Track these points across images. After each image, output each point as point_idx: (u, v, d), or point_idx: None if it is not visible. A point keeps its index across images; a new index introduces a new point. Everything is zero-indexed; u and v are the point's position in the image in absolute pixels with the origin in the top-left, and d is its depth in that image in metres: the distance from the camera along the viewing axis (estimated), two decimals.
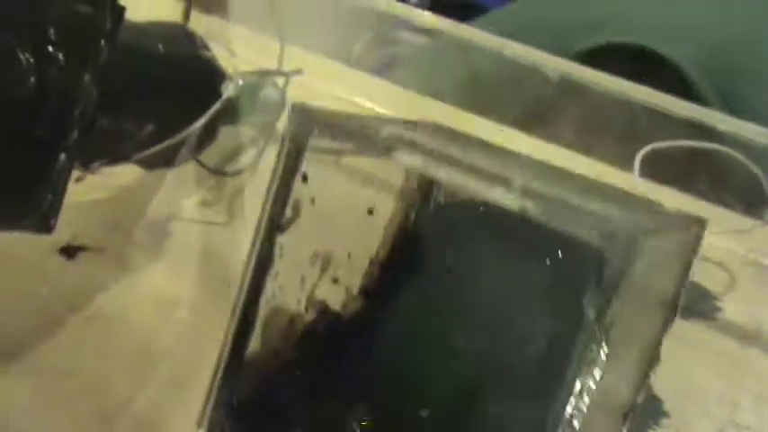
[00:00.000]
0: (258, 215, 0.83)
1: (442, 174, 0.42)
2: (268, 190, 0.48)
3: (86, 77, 0.65)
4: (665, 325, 0.46)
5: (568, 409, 0.41)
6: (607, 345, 0.41)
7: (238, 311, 0.50)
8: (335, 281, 0.53)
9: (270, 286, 0.50)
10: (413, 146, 0.43)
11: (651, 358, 0.46)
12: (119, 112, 0.72)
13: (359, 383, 0.53)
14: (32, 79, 0.65)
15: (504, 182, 0.41)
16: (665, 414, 0.61)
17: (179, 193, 0.84)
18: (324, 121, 0.45)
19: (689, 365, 0.63)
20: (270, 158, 0.87)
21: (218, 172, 0.85)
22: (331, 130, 0.45)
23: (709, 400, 0.64)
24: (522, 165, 0.49)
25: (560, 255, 0.49)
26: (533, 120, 0.79)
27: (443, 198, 0.55)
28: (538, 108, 0.83)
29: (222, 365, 0.50)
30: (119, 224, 0.82)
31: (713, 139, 0.79)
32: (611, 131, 0.84)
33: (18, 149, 0.65)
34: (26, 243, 0.83)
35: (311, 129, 0.45)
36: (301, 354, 0.53)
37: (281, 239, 0.51)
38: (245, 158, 0.87)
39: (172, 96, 0.77)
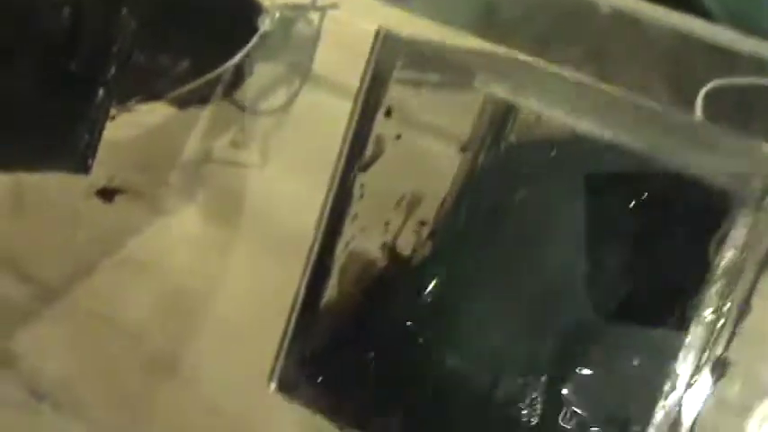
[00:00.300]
0: (292, 157, 0.81)
1: (532, 102, 0.39)
2: (348, 124, 0.45)
3: (124, 10, 0.62)
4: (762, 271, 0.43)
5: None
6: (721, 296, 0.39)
7: (313, 257, 0.47)
8: (423, 223, 0.50)
9: (348, 229, 0.47)
10: (500, 75, 0.39)
11: (747, 305, 0.44)
12: (155, 47, 0.68)
13: (431, 332, 0.51)
14: (67, 11, 0.61)
15: (598, 114, 0.38)
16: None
17: (211, 134, 0.81)
18: (409, 49, 0.41)
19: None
20: (304, 98, 0.84)
21: (252, 111, 0.81)
22: (417, 60, 0.41)
23: None
24: (610, 100, 0.46)
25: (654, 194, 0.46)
26: (588, 57, 0.76)
27: (516, 138, 0.52)
28: (592, 44, 0.80)
29: (295, 315, 0.47)
30: (151, 166, 0.79)
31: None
32: (666, 68, 0.80)
33: (55, 86, 0.61)
34: (61, 187, 0.80)
35: (396, 58, 0.42)
36: (372, 301, 0.50)
37: (361, 178, 0.47)
38: (279, 98, 0.83)
39: (208, 31, 0.73)
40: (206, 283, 0.75)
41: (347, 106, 0.54)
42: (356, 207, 0.49)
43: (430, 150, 0.52)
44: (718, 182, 0.39)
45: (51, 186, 0.81)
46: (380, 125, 0.46)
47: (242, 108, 0.81)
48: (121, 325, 0.75)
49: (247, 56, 0.77)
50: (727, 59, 0.78)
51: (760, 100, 0.76)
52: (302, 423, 0.67)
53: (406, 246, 0.53)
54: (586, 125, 0.38)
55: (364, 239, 0.50)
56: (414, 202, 0.50)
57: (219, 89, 0.77)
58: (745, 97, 0.75)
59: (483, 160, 0.52)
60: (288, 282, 0.61)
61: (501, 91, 0.40)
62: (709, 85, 0.74)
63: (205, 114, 0.82)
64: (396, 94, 0.45)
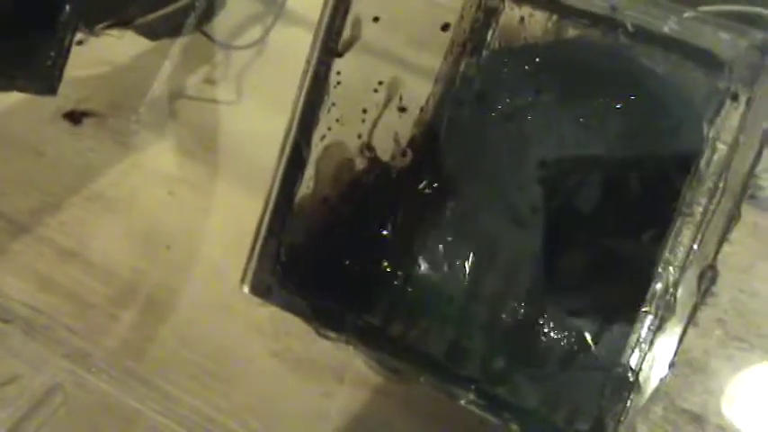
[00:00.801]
0: (266, 93, 0.79)
1: None
2: (323, 5, 0.43)
3: None
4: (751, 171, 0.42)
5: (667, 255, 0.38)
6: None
7: (288, 147, 0.44)
8: (402, 110, 0.48)
9: (324, 120, 0.45)
10: None
11: (738, 209, 0.42)
12: None
13: (409, 239, 0.49)
14: None
15: None
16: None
17: (184, 69, 0.78)
18: None
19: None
20: (278, 34, 0.82)
21: (225, 46, 0.79)
22: None
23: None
24: None
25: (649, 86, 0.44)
26: None
27: (498, 43, 0.50)
28: None
29: (269, 212, 0.45)
30: (122, 100, 0.77)
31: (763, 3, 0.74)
32: None
33: (20, 2, 0.59)
34: (27, 118, 0.78)
35: None
36: (350, 203, 0.48)
37: (338, 64, 0.45)
38: (253, 34, 0.81)
39: None
40: (179, 221, 0.73)
41: None
42: (332, 96, 0.47)
43: (409, 33, 0.50)
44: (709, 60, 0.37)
45: (16, 118, 0.78)
46: (357, 6, 0.44)
47: (214, 42, 0.79)
48: (92, 261, 0.72)
49: None
50: None
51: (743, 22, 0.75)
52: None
53: (383, 144, 0.51)
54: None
55: (341, 132, 0.48)
56: (392, 90, 0.48)
57: (192, 18, 0.75)
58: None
59: (464, 67, 0.50)
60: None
61: None
62: (692, 13, 0.72)
63: (177, 48, 0.79)
64: None
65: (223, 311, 0.69)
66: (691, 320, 0.47)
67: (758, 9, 0.73)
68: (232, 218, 0.73)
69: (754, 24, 0.72)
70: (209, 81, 0.80)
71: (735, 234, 0.48)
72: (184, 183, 0.75)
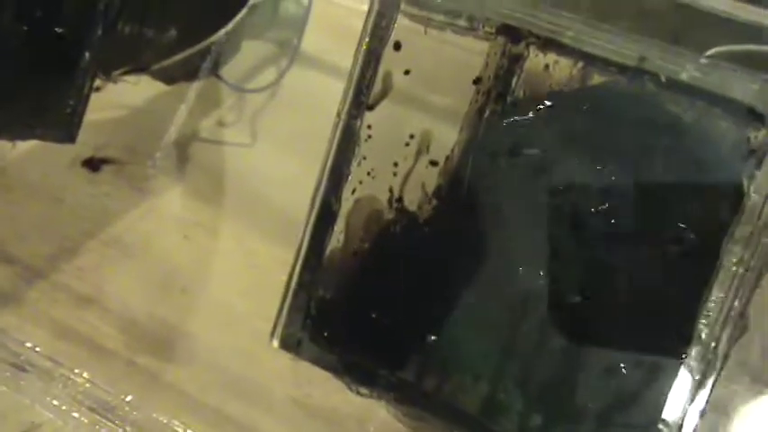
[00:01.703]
0: (281, 136, 0.79)
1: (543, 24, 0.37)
2: (354, 59, 0.43)
3: None
4: None
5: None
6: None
7: (318, 201, 0.44)
8: (434, 163, 0.48)
9: (355, 173, 0.45)
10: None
11: None
12: (141, 16, 0.66)
13: (439, 289, 0.49)
14: None
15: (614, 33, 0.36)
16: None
17: (199, 112, 0.79)
18: None
19: None
20: (292, 77, 0.83)
21: (240, 89, 0.80)
22: None
23: None
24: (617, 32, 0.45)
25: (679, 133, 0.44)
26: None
27: (523, 91, 0.50)
28: (588, 16, 0.78)
29: (299, 265, 0.45)
30: (138, 144, 0.77)
31: None
32: (666, 38, 0.79)
33: (39, 50, 0.59)
34: (45, 164, 0.78)
35: None
36: (380, 256, 0.48)
37: (369, 117, 0.45)
38: (267, 77, 0.82)
39: (196, 1, 0.71)
40: (195, 265, 0.73)
41: (336, 85, 0.53)
42: (363, 149, 0.47)
43: (440, 85, 0.50)
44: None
45: (34, 164, 0.78)
46: (388, 60, 0.44)
47: (230, 85, 0.79)
48: (109, 307, 0.72)
49: (236, 30, 0.76)
50: (726, 28, 0.76)
51: (759, 67, 0.75)
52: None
53: (410, 194, 0.51)
54: (599, 49, 0.37)
55: (372, 185, 0.48)
56: (423, 142, 0.48)
57: (208, 63, 0.75)
58: (744, 65, 0.74)
59: (488, 115, 0.50)
60: (278, 262, 0.59)
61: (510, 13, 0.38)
62: (708, 53, 0.72)
63: (192, 92, 0.80)
64: (403, 28, 0.43)
65: (241, 356, 0.68)
66: (722, 369, 0.47)
67: None
68: (247, 261, 0.73)
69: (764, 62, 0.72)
70: (224, 124, 0.81)
71: None
72: (199, 226, 0.75)
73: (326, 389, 0.64)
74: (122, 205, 0.76)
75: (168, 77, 0.75)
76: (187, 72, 0.75)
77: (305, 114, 0.78)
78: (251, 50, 0.83)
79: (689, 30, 0.77)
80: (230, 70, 0.82)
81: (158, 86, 0.77)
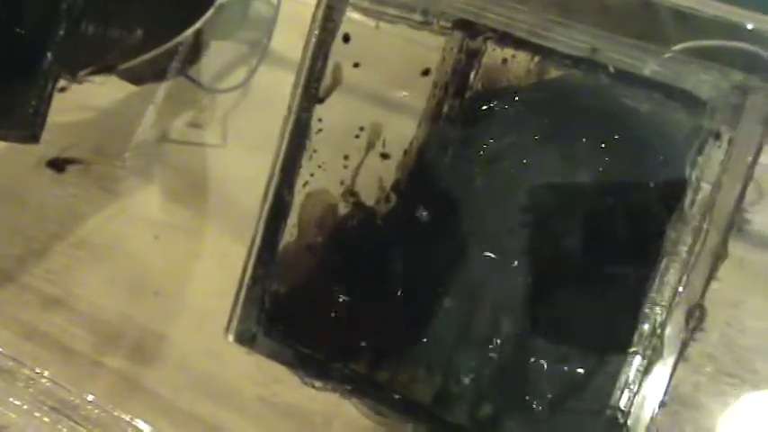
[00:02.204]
0: (251, 136, 0.79)
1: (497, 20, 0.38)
2: (304, 51, 0.43)
3: None
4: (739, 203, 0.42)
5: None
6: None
7: (270, 195, 0.44)
8: (385, 156, 0.48)
9: (306, 166, 0.45)
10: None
11: (724, 248, 0.42)
12: (106, 15, 0.66)
13: (394, 282, 0.49)
14: None
15: (568, 26, 0.36)
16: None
17: (168, 113, 0.78)
18: None
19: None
20: (262, 77, 0.83)
21: (210, 89, 0.79)
22: None
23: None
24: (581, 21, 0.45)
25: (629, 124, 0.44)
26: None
27: (481, 84, 0.50)
28: (553, 12, 0.79)
29: (252, 260, 0.45)
30: (106, 145, 0.77)
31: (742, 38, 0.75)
32: (631, 33, 0.79)
33: (0, 49, 0.59)
34: (9, 164, 0.77)
35: None
36: (335, 250, 0.48)
37: (319, 111, 0.45)
38: (236, 77, 0.82)
39: (162, 0, 0.71)
40: (166, 266, 0.72)
41: None
42: (314, 142, 0.47)
43: (390, 78, 0.50)
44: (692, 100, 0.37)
45: None
46: (338, 53, 0.44)
47: (199, 85, 0.79)
48: (78, 309, 0.72)
49: (203, 30, 0.75)
50: (690, 23, 0.77)
51: (723, 63, 0.75)
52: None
53: (367, 188, 0.51)
54: (553, 42, 0.37)
55: (324, 178, 0.48)
56: (374, 135, 0.48)
57: (176, 63, 0.75)
58: (708, 60, 0.74)
59: (447, 110, 0.50)
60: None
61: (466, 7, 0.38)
62: (673, 49, 0.72)
63: (161, 92, 0.79)
64: (354, 21, 0.43)
65: (212, 357, 0.68)
66: (679, 359, 0.47)
67: (736, 43, 0.73)
68: (219, 261, 0.72)
69: (733, 58, 0.73)
70: (195, 124, 0.80)
71: (723, 268, 0.48)
72: (171, 227, 0.74)
73: (293, 386, 0.64)
74: (91, 206, 0.76)
75: (136, 78, 0.75)
76: (155, 72, 0.75)
77: (275, 113, 0.77)
78: (220, 50, 0.82)
79: (653, 26, 0.77)
80: (200, 70, 0.82)
81: (126, 87, 0.77)
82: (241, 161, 0.78)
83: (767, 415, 0.60)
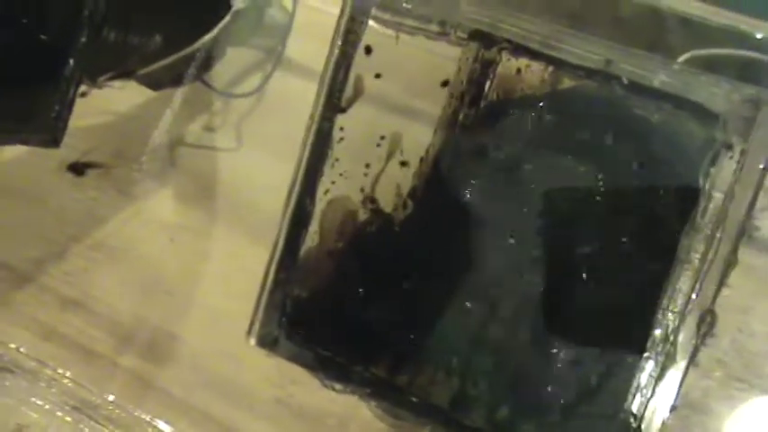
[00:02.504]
0: (266, 141, 0.80)
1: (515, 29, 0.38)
2: (326, 63, 0.44)
3: None
4: (750, 211, 0.43)
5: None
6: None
7: (292, 202, 0.45)
8: (404, 164, 0.49)
9: (328, 174, 0.46)
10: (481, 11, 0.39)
11: (734, 255, 0.43)
12: (126, 22, 0.67)
13: (412, 287, 0.50)
14: None
15: (582, 38, 0.37)
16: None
17: (185, 117, 0.79)
18: None
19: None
20: (277, 83, 0.83)
21: (225, 94, 0.80)
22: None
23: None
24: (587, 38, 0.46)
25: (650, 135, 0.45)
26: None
27: (496, 94, 0.51)
28: (563, 22, 0.80)
29: (274, 265, 0.46)
30: (124, 149, 0.78)
31: (750, 47, 0.76)
32: (642, 43, 0.80)
33: (24, 55, 0.60)
34: (30, 169, 0.78)
35: None
36: (354, 255, 0.49)
37: (341, 120, 0.46)
38: (252, 82, 0.83)
39: (180, 7, 0.72)
40: (181, 268, 0.73)
41: None
42: (336, 151, 0.48)
43: (410, 88, 0.51)
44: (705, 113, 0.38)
45: (21, 168, 0.79)
46: (359, 64, 0.45)
47: (215, 91, 0.80)
48: (95, 310, 0.73)
49: (219, 36, 0.76)
50: (700, 32, 0.78)
51: (733, 71, 0.76)
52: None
53: (385, 195, 0.52)
54: (567, 54, 0.38)
55: (345, 186, 0.49)
56: (394, 144, 0.49)
57: (193, 68, 0.76)
58: (718, 69, 0.75)
59: (462, 118, 0.51)
60: (264, 264, 0.60)
61: (481, 19, 0.39)
62: (683, 58, 0.73)
63: (178, 97, 0.80)
64: (375, 32, 0.44)
65: (226, 357, 0.69)
66: (690, 364, 0.47)
67: (747, 52, 0.74)
68: (233, 264, 0.73)
69: (744, 67, 0.74)
70: (210, 129, 0.81)
71: (733, 274, 0.48)
72: (185, 229, 0.75)
73: (309, 388, 0.65)
74: (109, 209, 0.77)
75: (154, 83, 0.76)
76: (173, 78, 0.76)
77: (290, 118, 0.78)
78: (236, 56, 0.83)
79: (664, 35, 0.78)
80: (216, 76, 0.83)
81: (144, 92, 0.77)
82: (255, 165, 0.78)
83: None
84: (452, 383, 0.49)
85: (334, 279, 0.50)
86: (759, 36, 0.76)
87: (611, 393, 0.45)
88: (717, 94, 0.41)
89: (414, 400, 0.48)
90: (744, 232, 0.45)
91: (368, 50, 0.46)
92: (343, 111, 0.46)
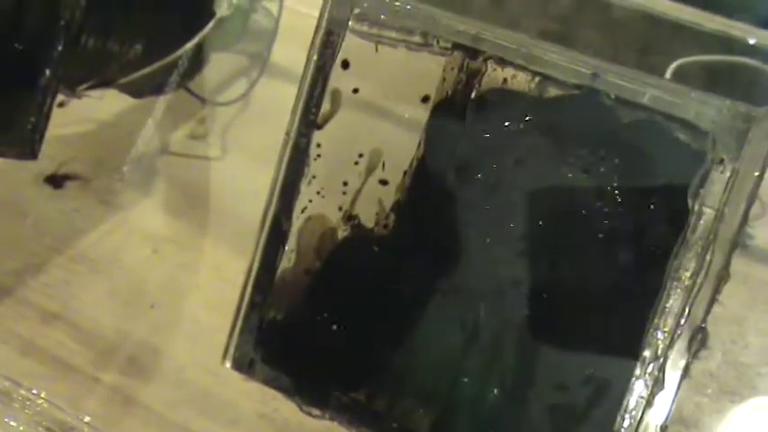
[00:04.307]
0: (252, 148, 0.79)
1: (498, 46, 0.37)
2: (302, 77, 0.43)
3: None
4: (741, 229, 0.42)
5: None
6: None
7: (267, 221, 0.44)
8: (384, 182, 0.47)
9: (305, 192, 0.45)
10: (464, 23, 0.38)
11: (726, 271, 0.42)
12: (105, 30, 0.66)
13: (394, 309, 0.48)
14: None
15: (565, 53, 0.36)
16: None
17: (168, 125, 0.78)
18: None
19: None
20: (262, 89, 0.82)
21: (210, 102, 0.79)
22: (373, 11, 0.39)
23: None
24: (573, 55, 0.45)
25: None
26: (554, 38, 0.74)
27: (482, 104, 0.50)
28: (559, 26, 0.78)
29: (249, 286, 0.44)
30: (105, 158, 0.76)
31: (742, 53, 0.75)
32: (634, 47, 0.79)
33: None
34: (7, 178, 0.77)
35: (350, 8, 0.40)
36: (333, 275, 0.47)
37: (318, 137, 0.45)
38: (237, 89, 0.81)
39: (162, 14, 0.70)
40: (164, 280, 0.72)
41: None
42: (312, 168, 0.46)
43: (390, 103, 0.50)
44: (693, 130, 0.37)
45: None
46: (337, 79, 0.44)
47: (199, 98, 0.78)
48: (76, 323, 0.71)
49: (204, 43, 0.75)
50: (693, 38, 0.77)
51: (725, 76, 0.75)
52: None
53: (367, 210, 0.50)
54: (552, 68, 0.37)
55: (322, 204, 0.48)
56: (373, 161, 0.48)
57: (175, 76, 0.75)
58: (711, 74, 0.74)
59: (446, 129, 0.50)
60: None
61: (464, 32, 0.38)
62: (676, 63, 0.72)
63: (161, 105, 0.79)
64: (353, 45, 0.43)
65: (209, 372, 0.68)
66: (681, 382, 0.46)
67: (739, 58, 0.73)
68: (218, 276, 0.72)
69: (735, 72, 0.73)
70: (194, 137, 0.80)
71: (726, 285, 0.47)
72: (169, 241, 0.74)
73: (293, 404, 0.63)
74: (89, 220, 0.76)
75: (136, 91, 0.74)
76: (155, 86, 0.75)
77: (275, 126, 0.77)
78: (220, 63, 0.82)
79: (657, 40, 0.77)
80: (200, 83, 0.82)
81: (126, 100, 0.76)
82: (241, 174, 0.77)
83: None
84: (433, 410, 0.48)
85: (311, 300, 0.49)
86: (752, 42, 0.75)
87: (598, 419, 0.44)
88: (706, 110, 0.40)
89: (393, 426, 0.46)
90: (736, 246, 0.44)
91: (345, 65, 0.45)
92: (320, 127, 0.45)
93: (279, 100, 0.78)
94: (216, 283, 0.71)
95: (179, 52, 0.70)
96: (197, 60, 0.77)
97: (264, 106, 0.79)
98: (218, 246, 0.73)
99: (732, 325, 0.63)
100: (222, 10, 0.72)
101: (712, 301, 0.45)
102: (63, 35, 0.58)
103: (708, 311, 0.46)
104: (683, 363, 0.44)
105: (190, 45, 0.69)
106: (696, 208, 0.40)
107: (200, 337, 0.70)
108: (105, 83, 0.70)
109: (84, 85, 0.68)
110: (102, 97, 0.73)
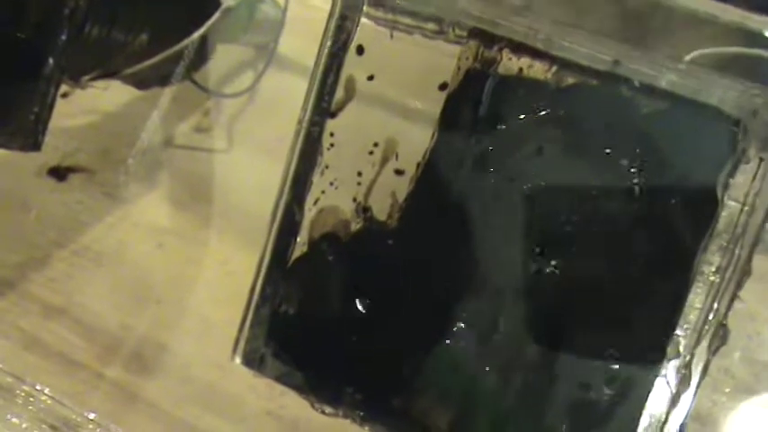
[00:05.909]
0: (258, 141, 0.78)
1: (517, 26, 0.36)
2: (315, 64, 0.41)
3: None
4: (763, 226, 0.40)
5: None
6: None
7: (279, 214, 0.43)
8: (399, 172, 0.46)
9: (318, 183, 0.43)
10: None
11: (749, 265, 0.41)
12: (110, 19, 0.64)
13: (408, 302, 0.47)
14: None
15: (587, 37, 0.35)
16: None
17: (173, 117, 0.77)
18: None
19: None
20: (269, 81, 0.81)
21: (216, 93, 0.78)
22: None
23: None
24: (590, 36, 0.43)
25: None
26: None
27: (497, 94, 0.48)
28: (568, 17, 0.77)
29: (260, 279, 0.43)
30: (109, 151, 0.75)
31: (759, 45, 0.74)
32: (648, 38, 0.77)
33: (2, 54, 0.57)
34: (10, 171, 0.76)
35: None
36: (346, 267, 0.46)
37: (331, 125, 0.43)
38: (243, 81, 0.80)
39: (167, 3, 0.69)
40: (169, 274, 0.71)
41: None
42: (326, 158, 0.45)
43: (405, 92, 0.48)
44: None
45: (1, 172, 0.77)
46: (351, 65, 0.42)
47: (205, 90, 0.77)
48: (79, 318, 0.70)
49: (210, 34, 0.74)
50: (709, 29, 0.75)
51: (741, 69, 0.74)
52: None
53: (380, 202, 0.49)
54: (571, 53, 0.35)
55: (335, 195, 0.47)
56: (388, 150, 0.46)
57: (181, 67, 0.73)
58: (726, 67, 0.73)
59: (461, 120, 0.49)
60: (255, 269, 0.58)
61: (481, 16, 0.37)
62: (690, 55, 0.71)
63: (166, 96, 0.78)
64: (367, 31, 0.42)
65: (215, 367, 0.67)
66: (702, 380, 0.45)
67: (755, 50, 0.72)
68: (224, 269, 0.71)
69: (750, 65, 0.71)
70: (200, 129, 0.79)
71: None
72: (174, 234, 0.73)
73: (301, 400, 0.62)
74: (94, 213, 0.75)
75: (141, 82, 0.73)
76: (160, 77, 0.73)
77: (282, 118, 0.76)
78: (227, 54, 0.81)
79: (672, 31, 0.75)
80: (206, 74, 0.81)
81: (130, 91, 0.75)
82: (247, 166, 0.76)
83: None
84: (451, 407, 0.47)
85: (324, 293, 0.48)
86: None
87: (621, 418, 0.43)
88: (731, 96, 0.38)
89: (411, 424, 0.45)
90: (759, 241, 0.43)
91: (360, 50, 0.43)
92: (333, 115, 0.43)
93: (286, 92, 0.77)
94: (222, 278, 0.70)
95: (185, 43, 0.68)
96: (203, 51, 0.76)
97: (271, 99, 0.78)
98: (223, 239, 0.72)
99: (748, 321, 0.62)
100: (229, 0, 0.71)
101: (734, 297, 0.44)
102: (67, 24, 0.57)
103: (729, 308, 0.44)
104: (703, 360, 0.43)
105: (196, 35, 0.68)
106: (724, 198, 0.38)
107: (206, 333, 0.69)
108: (110, 73, 0.68)
109: (89, 76, 0.66)
110: (107, 88, 0.71)
